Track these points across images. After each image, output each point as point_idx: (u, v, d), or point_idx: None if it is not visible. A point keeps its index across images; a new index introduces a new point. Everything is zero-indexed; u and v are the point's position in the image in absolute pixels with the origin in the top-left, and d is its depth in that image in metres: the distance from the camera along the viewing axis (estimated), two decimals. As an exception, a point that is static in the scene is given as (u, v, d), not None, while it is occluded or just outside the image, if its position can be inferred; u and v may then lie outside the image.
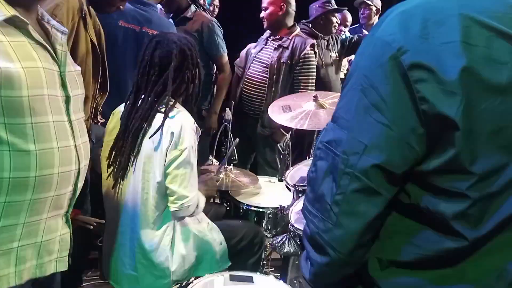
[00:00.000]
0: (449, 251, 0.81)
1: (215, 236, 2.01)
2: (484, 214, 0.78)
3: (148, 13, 2.67)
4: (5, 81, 1.12)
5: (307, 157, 3.04)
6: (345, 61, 4.25)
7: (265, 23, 3.36)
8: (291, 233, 2.21)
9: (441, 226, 0.80)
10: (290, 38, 3.27)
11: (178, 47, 1.81)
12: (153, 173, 1.80)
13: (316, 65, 3.34)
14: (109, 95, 2.23)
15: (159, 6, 3.01)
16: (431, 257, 0.83)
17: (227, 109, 3.14)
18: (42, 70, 1.21)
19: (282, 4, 3.25)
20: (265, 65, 3.30)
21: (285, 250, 2.22)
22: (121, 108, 1.94)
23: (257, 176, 2.70)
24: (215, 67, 3.46)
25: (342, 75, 4.15)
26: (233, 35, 3.65)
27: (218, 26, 3.28)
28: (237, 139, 2.68)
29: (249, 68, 3.40)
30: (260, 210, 2.44)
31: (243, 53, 3.59)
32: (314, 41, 3.36)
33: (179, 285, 1.96)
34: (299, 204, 2.22)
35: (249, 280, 1.80)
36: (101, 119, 2.27)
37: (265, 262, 2.41)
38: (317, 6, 3.89)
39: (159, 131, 1.76)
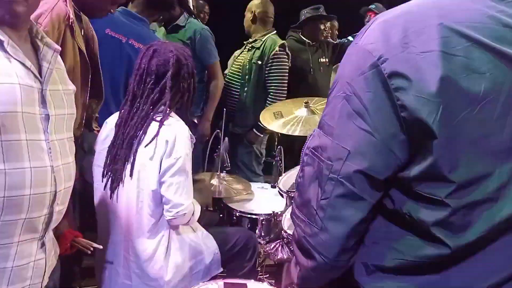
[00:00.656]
0: (432, 258, 0.82)
1: (209, 245, 2.02)
2: (468, 223, 0.78)
3: (139, 27, 2.67)
4: None
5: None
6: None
7: None
8: (285, 239, 2.22)
9: (423, 232, 0.81)
10: (263, 39, 3.45)
11: (175, 56, 1.82)
12: (147, 182, 1.80)
13: (289, 66, 3.46)
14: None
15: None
16: (414, 263, 0.83)
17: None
18: (17, 86, 1.16)
19: (253, 10, 3.50)
20: (240, 66, 3.50)
21: (278, 257, 2.22)
22: (114, 117, 1.94)
23: (250, 183, 2.71)
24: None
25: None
26: (225, 42, 3.69)
27: (211, 33, 3.33)
28: (226, 139, 2.71)
29: (229, 70, 3.64)
30: (253, 216, 2.45)
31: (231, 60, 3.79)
32: (284, 41, 3.45)
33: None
34: (292, 210, 2.23)
35: (244, 287, 1.80)
36: (96, 127, 2.27)
37: (259, 269, 2.41)
38: (305, 11, 3.95)
39: (154, 139, 1.77)
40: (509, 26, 0.77)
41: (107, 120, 1.99)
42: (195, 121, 3.35)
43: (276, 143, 3.63)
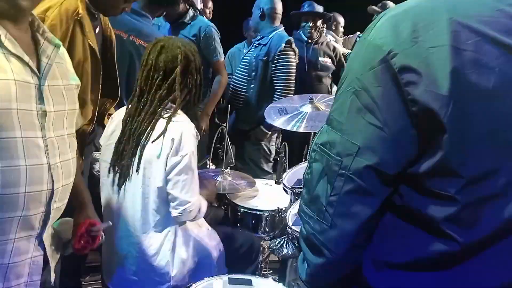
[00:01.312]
0: (441, 254, 0.81)
1: (214, 242, 2.02)
2: (477, 219, 0.78)
3: (140, 23, 2.67)
4: None
5: (303, 160, 3.06)
6: None
7: None
8: (289, 235, 2.22)
9: (432, 228, 0.81)
10: (269, 36, 3.44)
11: (183, 52, 1.81)
12: (153, 178, 1.80)
13: (296, 62, 3.46)
14: None
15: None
16: (424, 259, 0.83)
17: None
18: (13, 82, 1.14)
19: (262, 7, 3.47)
20: (248, 64, 3.52)
21: (283, 253, 2.23)
22: (120, 111, 1.95)
23: (255, 179, 2.71)
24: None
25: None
26: (229, 38, 3.72)
27: (216, 30, 3.33)
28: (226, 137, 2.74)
29: (237, 67, 3.65)
30: (258, 212, 2.45)
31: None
32: (290, 38, 3.45)
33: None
34: (297, 206, 2.23)
35: (248, 283, 1.81)
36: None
37: (263, 265, 2.42)
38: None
39: (161, 136, 1.77)
40: None
41: (113, 115, 1.99)
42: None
43: (280, 140, 3.64)
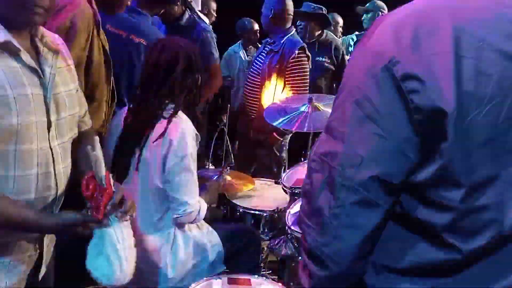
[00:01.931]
0: (443, 262, 0.81)
1: (213, 242, 2.02)
2: (478, 227, 0.78)
3: (139, 22, 2.66)
4: None
5: (302, 159, 3.05)
6: None
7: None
8: (288, 235, 2.22)
9: (433, 237, 0.80)
10: (281, 42, 3.28)
11: (184, 51, 1.82)
12: (151, 178, 1.80)
13: (309, 68, 3.35)
14: None
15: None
16: (426, 265, 0.83)
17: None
18: (30, 96, 1.20)
19: (271, 8, 3.27)
20: (259, 70, 3.36)
21: (282, 253, 2.23)
22: (122, 110, 1.95)
23: (254, 179, 2.71)
24: None
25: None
26: (223, 38, 3.68)
27: (212, 33, 3.30)
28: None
29: (249, 71, 3.53)
30: (257, 212, 2.45)
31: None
32: (304, 44, 3.35)
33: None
34: (296, 206, 2.23)
35: (247, 283, 1.81)
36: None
37: (262, 264, 2.41)
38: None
39: (161, 137, 1.77)
40: None
41: (120, 111, 1.99)
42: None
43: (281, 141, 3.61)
